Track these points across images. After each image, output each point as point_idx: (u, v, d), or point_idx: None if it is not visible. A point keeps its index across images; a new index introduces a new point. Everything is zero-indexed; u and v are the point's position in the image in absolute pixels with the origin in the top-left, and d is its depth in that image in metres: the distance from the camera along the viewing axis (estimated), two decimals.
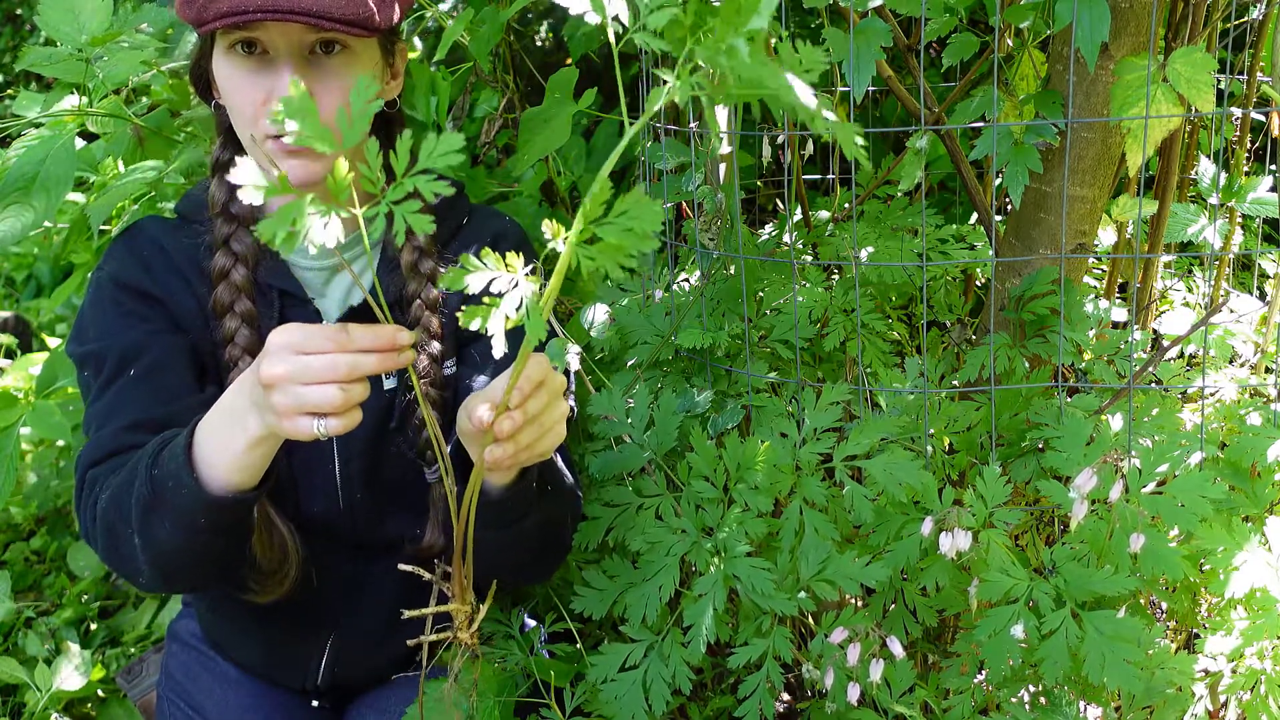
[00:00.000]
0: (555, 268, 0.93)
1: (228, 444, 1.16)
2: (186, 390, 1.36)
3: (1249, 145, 1.87)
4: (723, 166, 1.76)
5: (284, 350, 1.07)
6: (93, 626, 2.47)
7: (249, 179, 0.91)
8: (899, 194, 1.91)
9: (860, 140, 0.86)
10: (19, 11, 5.84)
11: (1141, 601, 1.51)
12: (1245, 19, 1.79)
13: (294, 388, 1.06)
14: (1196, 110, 1.40)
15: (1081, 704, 1.42)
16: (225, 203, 1.40)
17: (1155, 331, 1.80)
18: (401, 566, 1.23)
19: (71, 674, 2.12)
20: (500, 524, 1.27)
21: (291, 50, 1.28)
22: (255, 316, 1.40)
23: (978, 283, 1.90)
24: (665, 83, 0.86)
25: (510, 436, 1.11)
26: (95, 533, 1.29)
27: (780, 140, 1.92)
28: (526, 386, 1.11)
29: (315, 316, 1.42)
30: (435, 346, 1.44)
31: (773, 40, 1.71)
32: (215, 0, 1.24)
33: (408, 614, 1.21)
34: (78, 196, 2.05)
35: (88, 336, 1.39)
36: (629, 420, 1.50)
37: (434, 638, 1.21)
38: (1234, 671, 1.44)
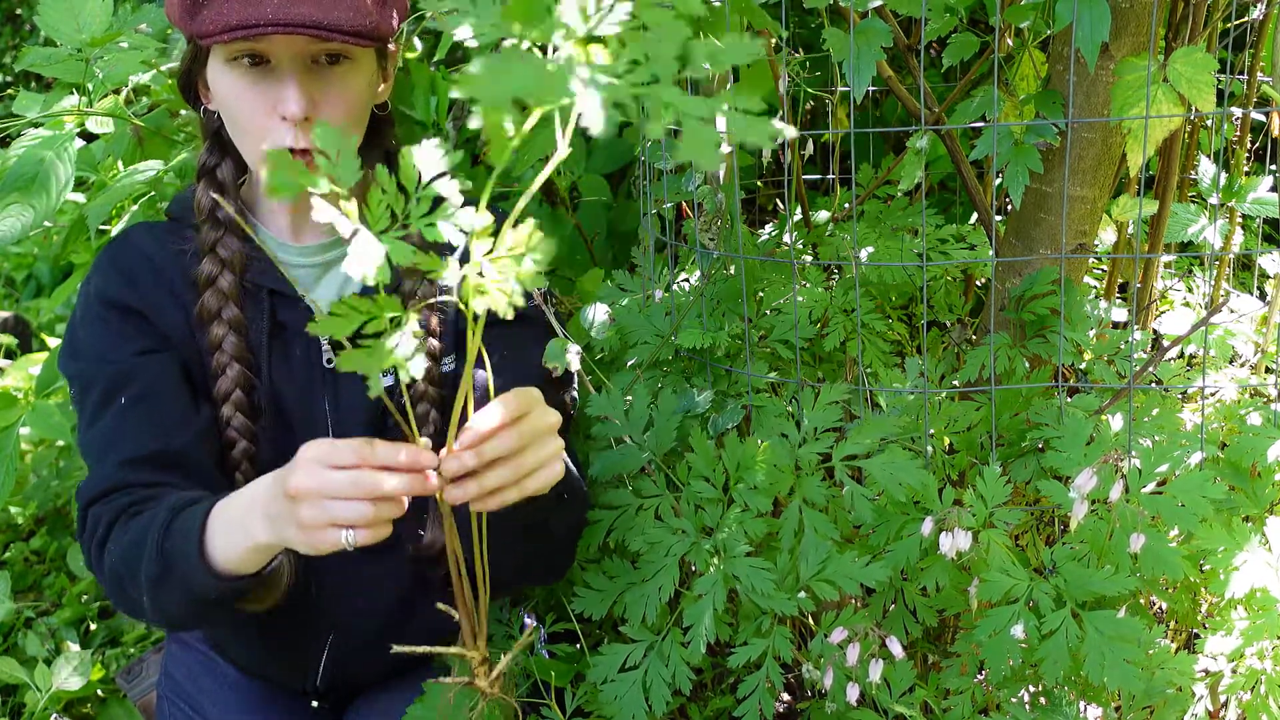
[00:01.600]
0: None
1: (232, 543, 1.18)
2: (179, 417, 1.35)
3: (1249, 145, 1.87)
4: (723, 166, 1.76)
5: (312, 464, 1.07)
6: (93, 626, 2.46)
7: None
8: (899, 194, 1.91)
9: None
10: (19, 11, 5.84)
11: (1141, 601, 1.51)
12: (1245, 19, 1.79)
13: (322, 501, 1.06)
14: (1197, 110, 1.40)
15: (1081, 704, 1.42)
16: (211, 208, 1.40)
17: (1155, 331, 1.79)
18: (440, 607, 1.18)
19: (71, 674, 2.11)
20: (507, 539, 1.24)
21: (296, 61, 1.28)
22: (243, 323, 1.39)
23: (978, 283, 1.90)
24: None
25: (474, 476, 1.07)
26: (102, 578, 1.31)
27: (780, 140, 1.92)
28: (483, 427, 1.06)
29: (308, 313, 1.41)
30: (433, 343, 1.44)
31: (773, 40, 1.72)
32: (218, 12, 1.24)
33: (433, 682, 1.16)
34: (78, 196, 2.05)
35: (77, 354, 1.39)
36: (627, 421, 1.50)
37: (457, 683, 1.17)
38: (1234, 671, 1.44)
